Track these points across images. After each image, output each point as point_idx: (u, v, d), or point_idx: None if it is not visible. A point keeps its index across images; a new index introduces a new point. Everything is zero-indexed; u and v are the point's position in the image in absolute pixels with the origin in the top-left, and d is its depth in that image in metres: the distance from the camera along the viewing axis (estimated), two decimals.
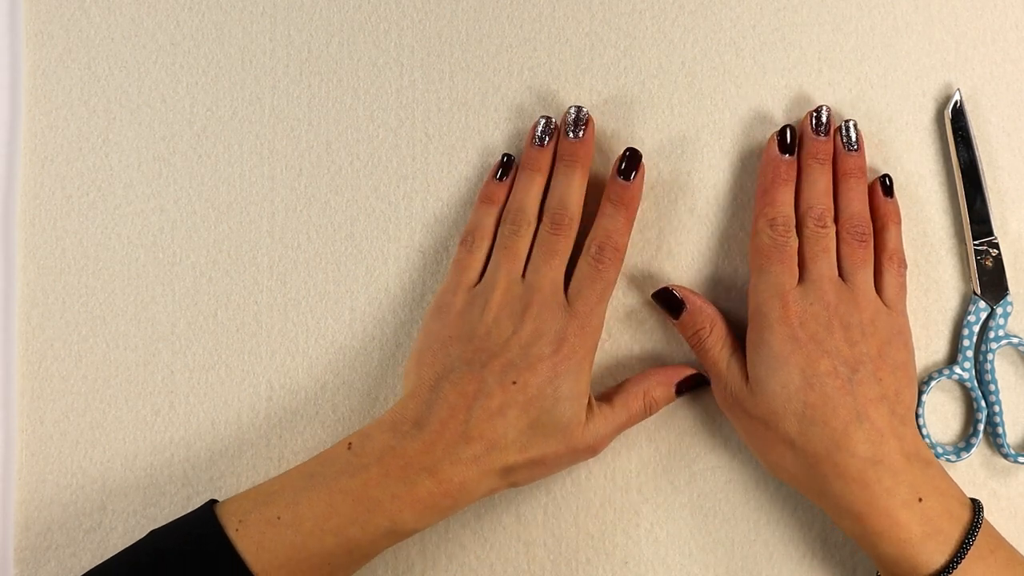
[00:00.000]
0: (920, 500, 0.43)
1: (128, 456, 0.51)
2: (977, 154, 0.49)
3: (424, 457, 0.43)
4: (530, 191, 0.49)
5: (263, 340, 0.52)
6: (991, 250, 0.49)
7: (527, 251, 0.48)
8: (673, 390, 0.49)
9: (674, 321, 0.49)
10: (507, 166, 0.50)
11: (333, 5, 0.52)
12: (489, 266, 0.48)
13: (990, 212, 0.49)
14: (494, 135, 0.51)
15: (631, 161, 0.48)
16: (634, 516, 0.51)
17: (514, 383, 0.44)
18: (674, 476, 0.51)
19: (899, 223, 0.49)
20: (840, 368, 0.44)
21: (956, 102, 0.50)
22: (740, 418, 0.47)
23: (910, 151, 0.51)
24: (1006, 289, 0.49)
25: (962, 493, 0.44)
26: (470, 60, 0.52)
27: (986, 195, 0.49)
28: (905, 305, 0.48)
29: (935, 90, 0.51)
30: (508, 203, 0.49)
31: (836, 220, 0.48)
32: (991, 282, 0.49)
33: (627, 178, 0.48)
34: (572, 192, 0.48)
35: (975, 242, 0.49)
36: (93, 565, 0.50)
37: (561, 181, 0.48)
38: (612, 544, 0.51)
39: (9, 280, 0.52)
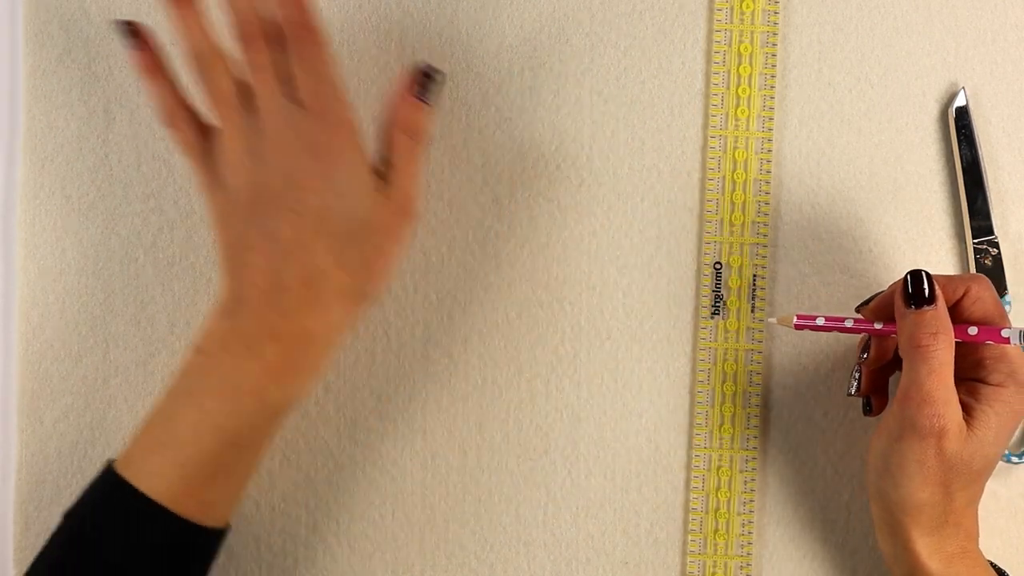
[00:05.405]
0: None
1: None
2: (980, 152, 0.49)
3: (259, 325, 0.43)
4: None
5: None
6: (991, 249, 0.49)
7: (233, 91, 0.44)
8: (413, 98, 0.45)
9: (909, 311, 0.43)
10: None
11: (333, 5, 0.52)
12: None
13: (991, 211, 0.49)
14: (494, 135, 0.51)
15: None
16: (634, 516, 0.51)
17: (294, 211, 0.43)
18: (674, 476, 0.51)
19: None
20: None
21: (960, 100, 0.50)
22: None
23: (910, 151, 0.51)
24: (1005, 289, 0.49)
25: None
26: (470, 60, 0.52)
27: (987, 194, 0.49)
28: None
29: (935, 90, 0.51)
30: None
31: None
32: None
33: None
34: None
35: (975, 241, 0.49)
36: None
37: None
38: (612, 544, 0.51)
39: (9, 280, 0.52)
